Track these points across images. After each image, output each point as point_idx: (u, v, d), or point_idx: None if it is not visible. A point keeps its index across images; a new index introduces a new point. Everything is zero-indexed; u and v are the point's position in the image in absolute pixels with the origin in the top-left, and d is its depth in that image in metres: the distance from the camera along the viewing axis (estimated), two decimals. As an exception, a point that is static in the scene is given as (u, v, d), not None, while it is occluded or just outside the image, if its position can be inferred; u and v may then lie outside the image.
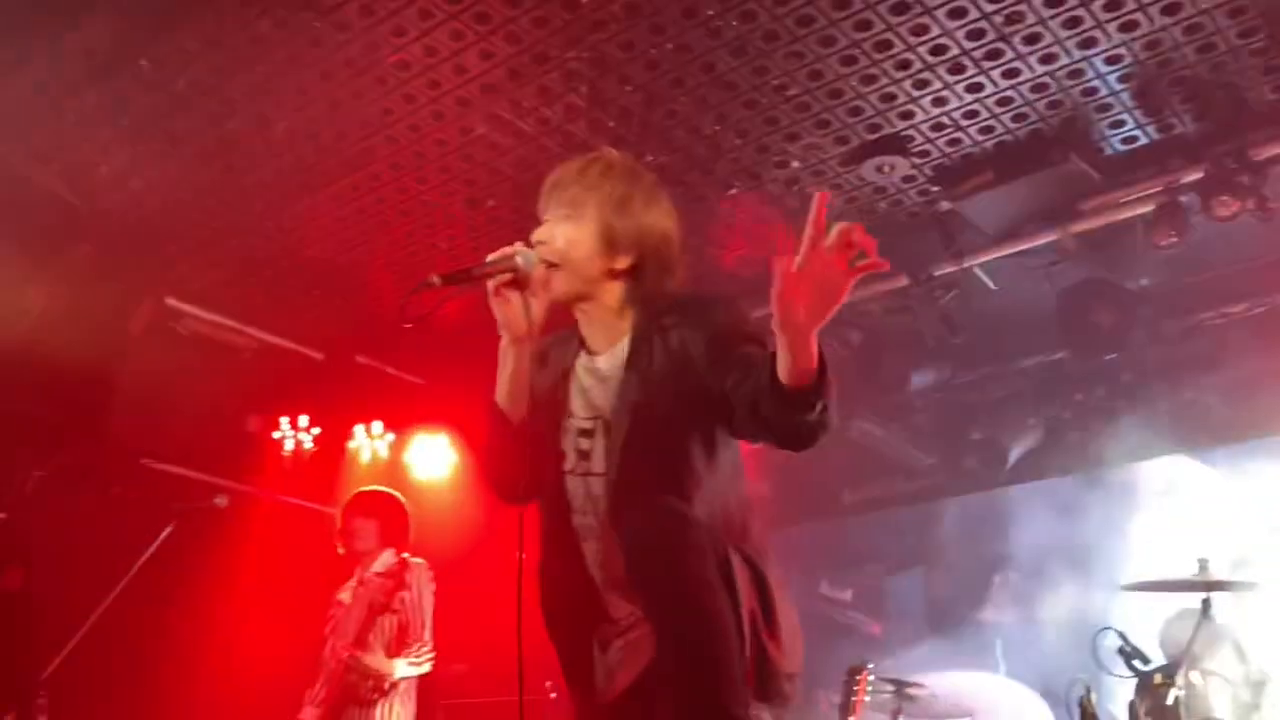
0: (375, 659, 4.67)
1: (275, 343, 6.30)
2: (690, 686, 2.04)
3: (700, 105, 4.42)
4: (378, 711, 4.72)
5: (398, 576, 4.75)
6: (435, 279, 2.17)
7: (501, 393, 2.31)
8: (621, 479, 2.24)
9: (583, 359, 2.40)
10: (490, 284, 2.24)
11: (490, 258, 2.25)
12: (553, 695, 5.96)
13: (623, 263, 2.32)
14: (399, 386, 6.77)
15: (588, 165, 2.36)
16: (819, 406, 1.99)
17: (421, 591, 4.90)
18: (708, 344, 2.23)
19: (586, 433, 2.34)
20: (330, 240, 5.44)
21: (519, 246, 2.27)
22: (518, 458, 2.31)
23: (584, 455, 2.33)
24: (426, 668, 4.89)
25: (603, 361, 2.37)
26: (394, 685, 4.78)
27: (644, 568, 2.08)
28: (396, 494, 5.25)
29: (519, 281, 2.23)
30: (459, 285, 2.19)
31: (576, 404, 2.37)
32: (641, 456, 2.23)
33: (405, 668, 4.75)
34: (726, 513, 2.28)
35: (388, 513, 5.07)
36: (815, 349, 1.95)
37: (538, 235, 2.32)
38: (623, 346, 2.34)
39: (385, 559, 4.99)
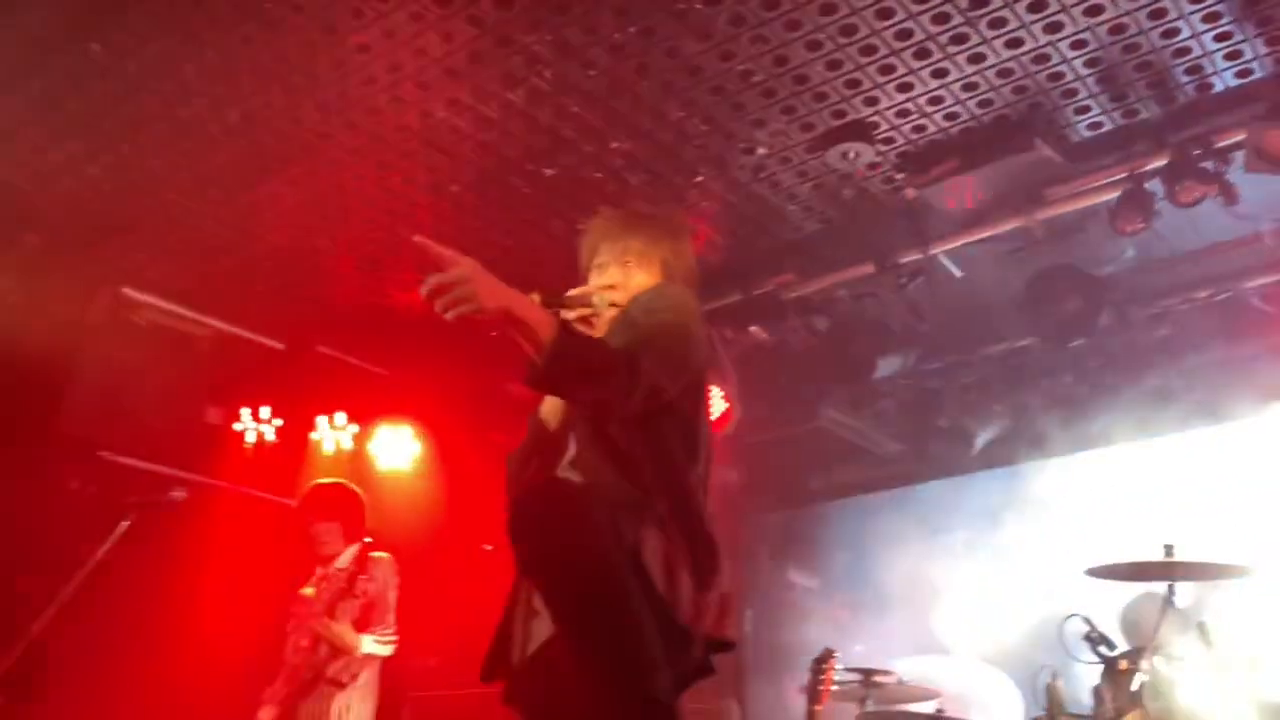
0: (343, 629, 4.67)
1: (234, 333, 6.20)
2: (589, 659, 2.11)
3: (665, 91, 4.37)
4: (334, 706, 4.68)
5: (361, 564, 4.74)
6: (536, 297, 2.33)
7: (547, 407, 2.56)
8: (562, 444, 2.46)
9: None
10: (572, 314, 2.48)
11: (574, 292, 2.54)
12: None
13: None
14: (361, 377, 6.68)
15: (638, 220, 2.70)
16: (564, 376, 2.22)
17: (386, 582, 4.90)
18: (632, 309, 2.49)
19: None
20: (290, 227, 5.36)
21: (594, 290, 2.57)
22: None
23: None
24: (389, 650, 4.89)
25: None
26: (353, 676, 4.74)
27: (524, 542, 2.17)
28: (349, 485, 5.20)
29: (590, 318, 2.52)
30: (552, 308, 2.39)
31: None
32: (576, 422, 2.45)
33: (371, 644, 4.75)
34: (648, 483, 2.36)
35: (347, 510, 5.04)
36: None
37: (608, 279, 2.60)
38: None
39: (348, 554, 4.97)
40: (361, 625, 4.80)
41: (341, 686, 4.72)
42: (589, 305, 2.53)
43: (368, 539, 4.99)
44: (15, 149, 4.76)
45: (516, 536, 2.16)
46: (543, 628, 2.35)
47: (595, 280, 2.62)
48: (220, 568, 6.19)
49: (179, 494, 4.60)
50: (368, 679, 4.84)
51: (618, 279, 2.60)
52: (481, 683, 2.48)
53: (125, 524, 4.43)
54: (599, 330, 2.51)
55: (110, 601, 5.06)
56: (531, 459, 2.55)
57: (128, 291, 5.74)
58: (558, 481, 2.33)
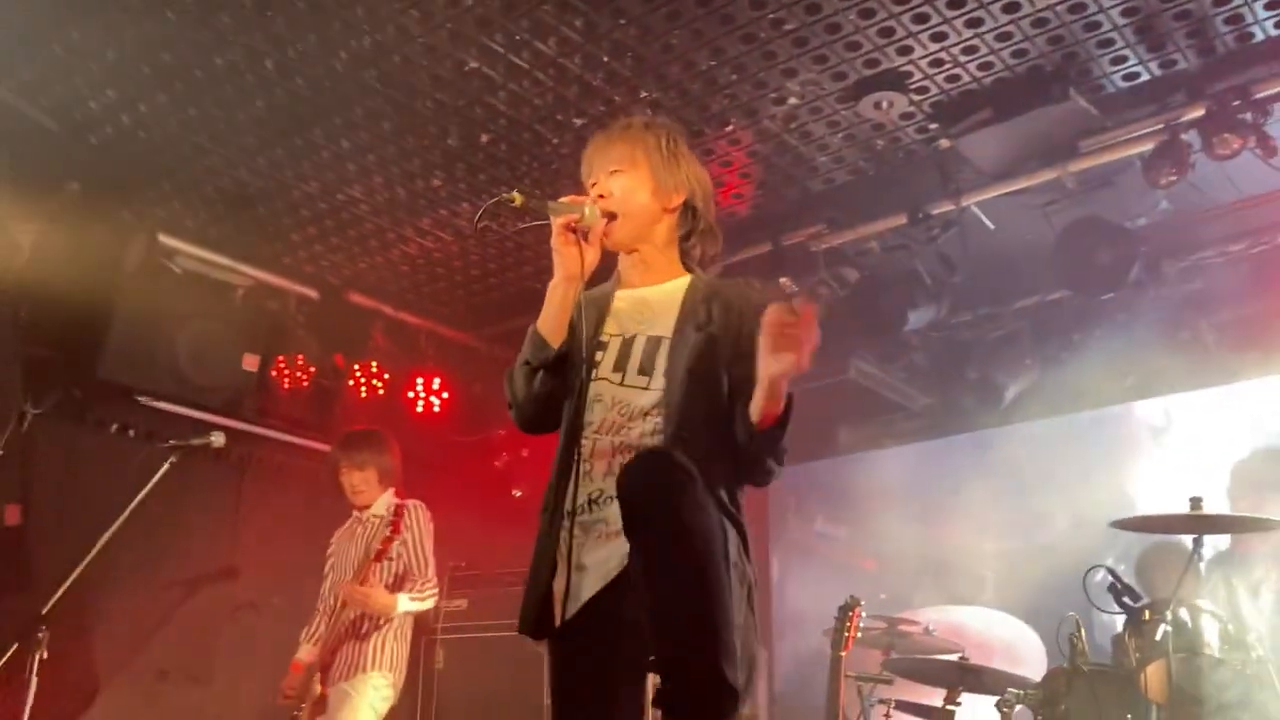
0: (377, 593, 4.72)
1: (270, 280, 6.27)
2: (683, 640, 2.09)
3: (696, 39, 4.35)
4: (371, 646, 4.79)
5: (394, 524, 4.78)
6: (516, 196, 2.43)
7: (548, 323, 2.52)
8: (670, 388, 2.43)
9: (621, 292, 2.64)
10: (558, 221, 2.48)
11: (564, 199, 2.53)
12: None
13: (675, 201, 2.61)
14: (395, 325, 6.75)
15: (628, 124, 2.67)
16: (771, 450, 2.38)
17: (421, 534, 4.95)
18: (749, 331, 2.41)
19: (628, 342, 2.53)
20: (324, 177, 5.39)
21: (587, 200, 2.54)
22: (546, 380, 2.52)
23: (620, 365, 2.51)
24: (430, 603, 4.96)
25: (649, 291, 2.61)
26: (389, 622, 4.83)
27: (643, 511, 2.15)
28: (382, 432, 5.25)
29: (580, 229, 2.48)
30: (530, 211, 2.49)
31: (616, 323, 2.58)
32: (688, 373, 2.43)
33: (408, 602, 4.81)
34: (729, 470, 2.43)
35: (379, 457, 5.09)
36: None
37: (596, 191, 2.57)
38: (677, 283, 2.60)
39: (385, 500, 5.05)
40: (396, 587, 4.86)
41: (378, 629, 4.82)
42: (578, 214, 2.50)
43: (399, 496, 5.04)
44: (54, 98, 4.81)
45: (645, 499, 2.16)
46: (587, 582, 2.36)
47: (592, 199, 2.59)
48: (258, 510, 6.32)
49: (218, 438, 4.70)
50: (403, 621, 4.93)
51: (605, 188, 2.58)
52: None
53: (166, 466, 4.54)
54: (593, 242, 2.50)
55: (151, 541, 5.21)
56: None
57: (165, 239, 5.80)
58: (674, 458, 2.26)
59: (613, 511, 2.30)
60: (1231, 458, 5.16)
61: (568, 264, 2.48)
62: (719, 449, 2.39)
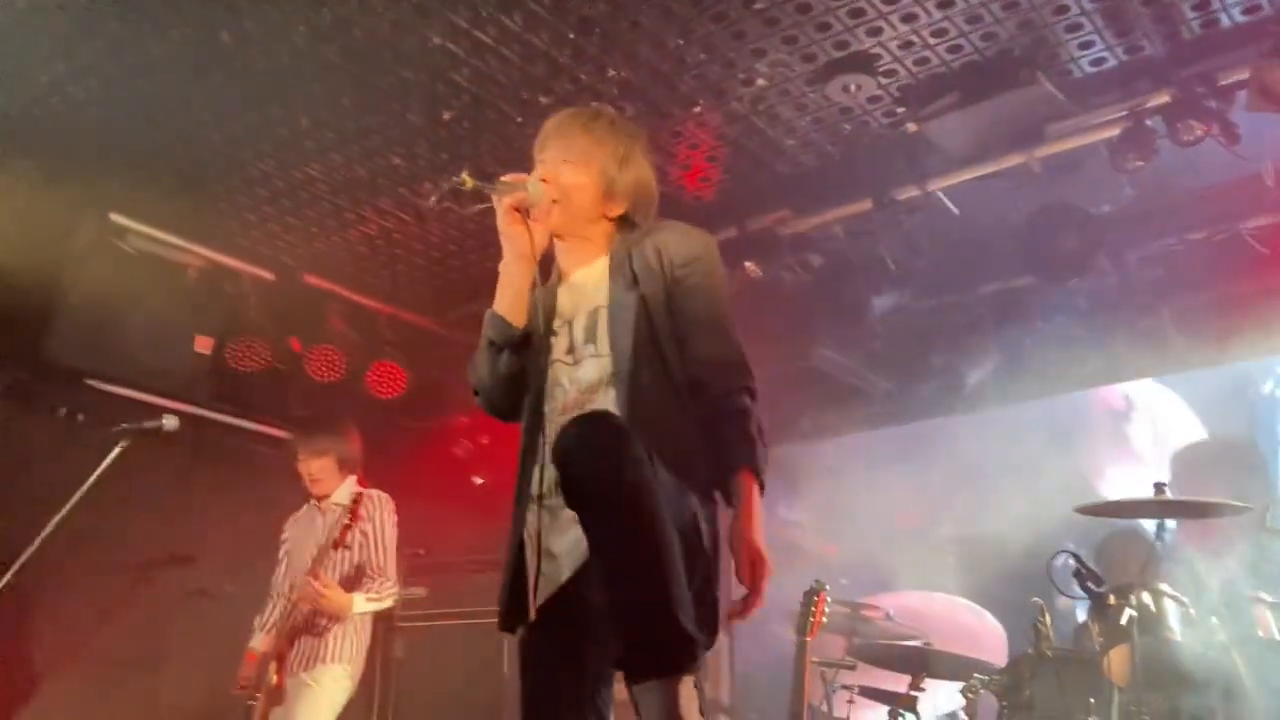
0: (333, 593, 4.58)
1: (223, 262, 6.13)
2: (633, 594, 2.09)
3: (665, 18, 4.29)
4: (331, 636, 4.68)
5: (353, 511, 4.65)
6: (465, 179, 2.43)
7: (504, 303, 2.52)
8: (616, 353, 2.44)
9: (563, 283, 2.65)
10: (504, 200, 2.46)
11: (507, 177, 2.49)
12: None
13: (616, 210, 2.62)
14: (350, 308, 6.64)
15: (594, 119, 2.67)
16: None
17: (383, 525, 4.82)
18: (680, 265, 2.51)
19: (571, 325, 2.55)
20: (280, 155, 5.27)
21: (532, 177, 2.51)
22: (512, 362, 2.53)
23: (570, 348, 2.52)
24: (388, 603, 4.81)
25: (580, 274, 2.62)
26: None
27: (581, 478, 2.16)
28: (341, 418, 5.14)
29: (523, 207, 2.47)
30: (481, 190, 2.45)
31: (561, 315, 2.59)
32: (632, 337, 2.44)
33: (363, 603, 4.68)
34: (683, 418, 2.42)
35: (339, 444, 4.97)
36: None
37: (543, 173, 2.55)
38: (601, 262, 2.60)
39: (346, 488, 4.91)
40: (353, 581, 4.73)
41: (338, 620, 4.69)
42: (524, 191, 2.49)
43: (361, 484, 4.93)
44: (0, 72, 4.65)
45: (569, 467, 2.17)
46: (559, 569, 2.35)
47: (536, 173, 2.59)
48: (211, 496, 6.19)
49: (170, 422, 4.59)
50: (364, 614, 4.81)
51: (553, 174, 2.56)
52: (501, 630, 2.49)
53: (116, 451, 4.42)
54: (539, 220, 2.48)
55: (100, 529, 5.07)
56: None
57: (116, 218, 5.65)
58: (608, 417, 2.31)
59: None
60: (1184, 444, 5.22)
61: (517, 244, 2.48)
62: (673, 408, 2.40)
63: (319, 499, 4.97)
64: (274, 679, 4.60)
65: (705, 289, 2.51)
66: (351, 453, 5.01)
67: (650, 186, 2.68)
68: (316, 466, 4.92)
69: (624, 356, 2.41)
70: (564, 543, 2.36)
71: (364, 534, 4.75)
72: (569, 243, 2.64)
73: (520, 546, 2.41)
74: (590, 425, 2.24)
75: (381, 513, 4.83)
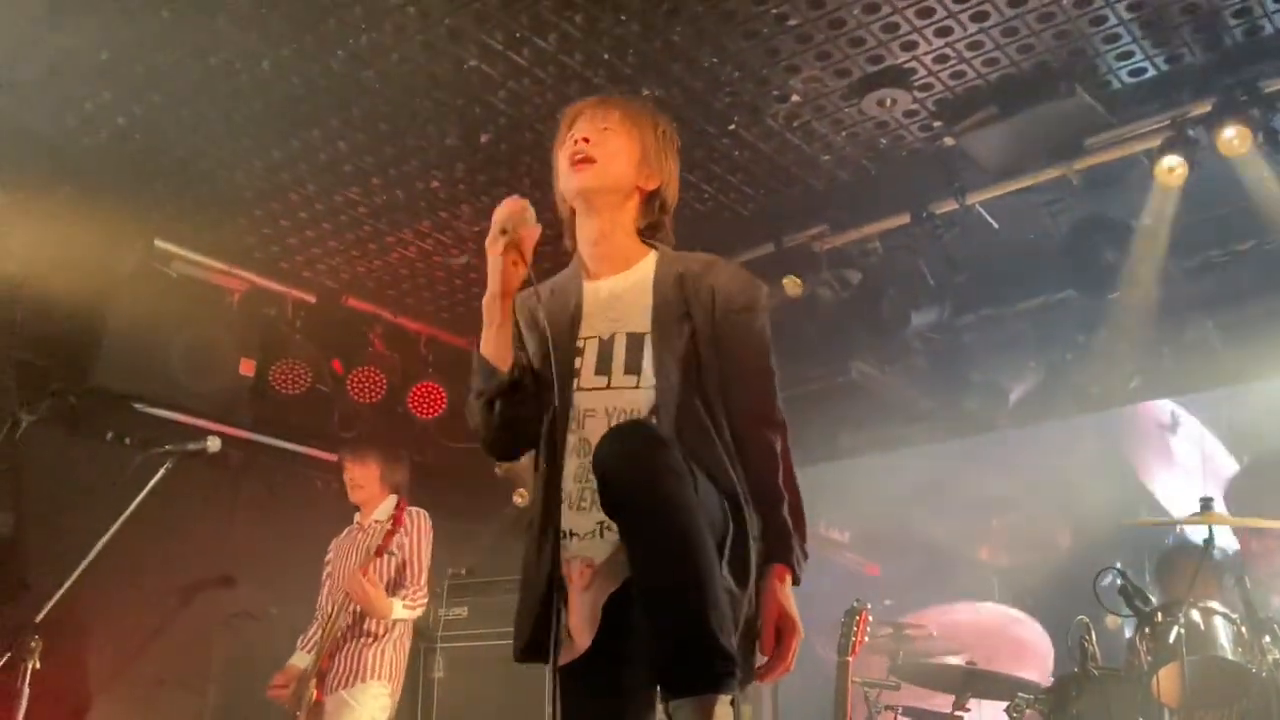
0: (376, 594, 4.67)
1: (266, 285, 6.20)
2: (672, 608, 2.02)
3: (699, 37, 4.30)
4: (371, 654, 4.73)
5: (396, 519, 4.73)
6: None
7: (490, 346, 2.35)
8: (662, 385, 2.32)
9: (589, 285, 2.48)
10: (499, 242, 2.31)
11: (503, 216, 2.31)
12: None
13: (652, 183, 2.48)
14: (393, 330, 6.69)
15: (633, 98, 2.73)
16: None
17: (420, 538, 4.91)
18: (736, 311, 2.40)
19: (606, 343, 2.39)
20: (321, 179, 5.33)
21: (523, 202, 2.34)
22: (507, 408, 2.36)
23: (603, 369, 2.38)
24: (419, 612, 4.92)
25: (616, 282, 2.46)
26: (388, 629, 4.78)
27: (620, 487, 2.07)
28: (387, 438, 5.23)
29: (519, 242, 2.31)
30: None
31: (590, 325, 2.42)
32: (679, 369, 2.33)
33: (400, 609, 4.76)
34: (721, 444, 2.32)
35: (384, 459, 5.05)
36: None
37: (580, 135, 2.42)
38: (643, 268, 2.46)
39: (386, 506, 4.98)
40: (394, 585, 4.82)
41: (376, 638, 4.77)
42: (505, 234, 2.29)
43: (403, 501, 4.99)
44: (48, 100, 4.75)
45: (610, 483, 2.08)
46: (591, 599, 2.27)
47: (566, 149, 2.45)
48: (254, 518, 6.25)
49: (213, 443, 4.64)
50: (402, 630, 4.88)
51: (594, 136, 2.43)
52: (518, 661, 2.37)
53: (161, 473, 4.48)
54: (526, 254, 2.29)
55: (146, 550, 5.13)
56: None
57: (160, 244, 5.74)
58: (648, 429, 2.23)
59: None
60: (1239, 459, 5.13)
61: (508, 278, 2.31)
62: (717, 448, 2.30)
63: (358, 506, 5.03)
64: (313, 695, 4.64)
65: (757, 338, 2.42)
66: (396, 473, 5.09)
67: (677, 180, 2.56)
68: (359, 472, 5.01)
69: (670, 391, 2.31)
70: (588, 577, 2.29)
71: (401, 546, 4.82)
72: (600, 220, 2.46)
73: (546, 585, 2.28)
74: (628, 434, 2.16)
75: (419, 527, 4.91)
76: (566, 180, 2.45)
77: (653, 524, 2.04)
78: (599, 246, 2.47)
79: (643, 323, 2.38)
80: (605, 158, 2.41)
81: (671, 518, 2.03)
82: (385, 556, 4.76)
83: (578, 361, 2.38)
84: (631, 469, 2.06)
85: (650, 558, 2.05)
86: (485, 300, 2.34)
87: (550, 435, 2.37)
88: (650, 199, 2.49)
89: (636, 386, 2.33)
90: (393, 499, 5.02)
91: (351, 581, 4.66)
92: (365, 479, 5.00)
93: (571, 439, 2.34)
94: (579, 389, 2.37)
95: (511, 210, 2.31)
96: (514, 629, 2.39)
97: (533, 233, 2.31)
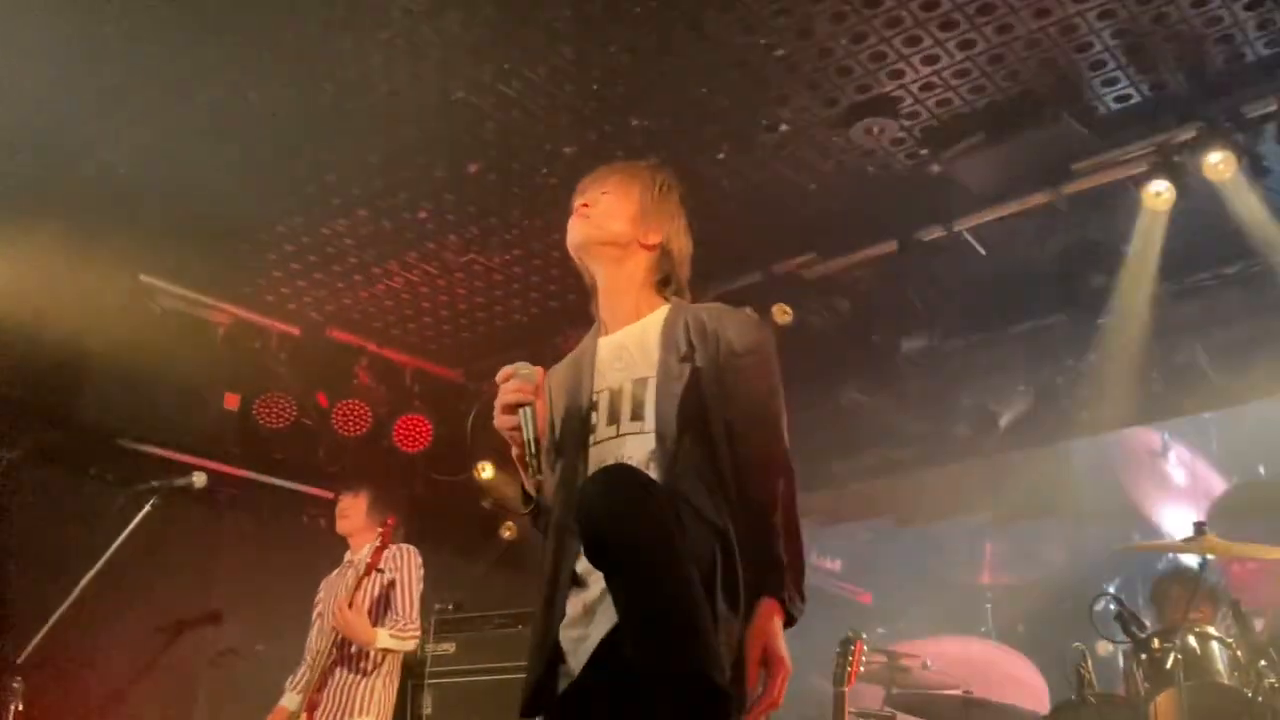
0: (361, 623, 4.62)
1: (250, 319, 6.16)
2: (657, 649, 2.00)
3: (688, 68, 4.32)
4: (360, 690, 4.67)
5: (383, 537, 4.71)
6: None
7: (532, 487, 2.42)
8: (662, 429, 2.33)
9: (603, 341, 2.55)
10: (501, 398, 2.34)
11: (517, 400, 2.30)
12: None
13: (652, 238, 2.55)
14: (378, 362, 6.65)
15: (631, 162, 2.67)
16: None
17: (409, 572, 4.85)
18: (739, 354, 2.41)
19: (616, 394, 2.43)
20: (307, 211, 5.31)
21: (519, 367, 2.34)
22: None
23: (613, 418, 2.41)
24: (410, 645, 4.85)
25: (625, 334, 2.52)
26: (376, 665, 4.71)
27: (597, 536, 2.08)
28: (374, 473, 5.18)
29: (522, 400, 2.32)
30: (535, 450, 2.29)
31: (602, 378, 2.48)
32: (679, 412, 2.33)
33: (387, 638, 4.69)
34: (717, 485, 2.31)
35: (376, 496, 5.00)
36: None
37: (582, 202, 2.54)
38: (653, 319, 2.51)
39: (375, 542, 4.91)
40: (381, 613, 4.75)
41: (365, 674, 4.71)
42: (517, 382, 2.31)
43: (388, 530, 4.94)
44: (32, 133, 4.71)
45: (589, 528, 2.08)
46: (587, 646, 2.25)
47: (576, 209, 2.55)
48: (240, 554, 6.17)
49: (199, 479, 4.60)
50: (391, 666, 4.82)
51: (592, 200, 2.54)
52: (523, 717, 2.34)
53: (146, 509, 4.43)
54: (541, 397, 2.32)
55: (131, 586, 5.06)
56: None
57: (145, 278, 5.70)
58: (629, 470, 2.21)
59: None
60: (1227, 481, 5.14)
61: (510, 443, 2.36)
62: (715, 493, 2.29)
63: (347, 538, 4.98)
64: None
65: (762, 382, 2.40)
66: (383, 507, 5.02)
67: (685, 234, 2.62)
68: (348, 502, 4.97)
69: (669, 433, 2.31)
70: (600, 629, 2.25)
71: (388, 578, 4.76)
72: (607, 276, 2.55)
73: (554, 643, 2.29)
74: (610, 481, 2.14)
75: (409, 561, 4.86)
76: (568, 235, 2.55)
77: (632, 574, 2.03)
78: (608, 299, 2.56)
79: (648, 368, 2.42)
80: (599, 214, 2.52)
81: (650, 566, 2.02)
82: (374, 578, 4.71)
83: (593, 416, 2.43)
84: (609, 518, 2.05)
85: (635, 606, 2.04)
86: (516, 456, 2.36)
87: (565, 485, 2.39)
88: (658, 255, 2.57)
89: (641, 432, 2.36)
90: (378, 536, 4.95)
91: (336, 607, 4.61)
92: (353, 509, 4.94)
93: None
94: (594, 443, 2.40)
95: (518, 393, 2.31)
96: (525, 678, 2.36)
97: (537, 392, 2.33)
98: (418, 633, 4.87)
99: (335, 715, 4.65)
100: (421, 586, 4.88)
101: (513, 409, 2.30)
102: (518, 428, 2.29)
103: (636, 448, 2.34)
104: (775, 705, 2.21)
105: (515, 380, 2.31)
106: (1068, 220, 5.01)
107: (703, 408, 2.34)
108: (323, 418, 6.44)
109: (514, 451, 2.36)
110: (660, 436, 2.31)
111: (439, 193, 5.14)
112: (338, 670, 4.69)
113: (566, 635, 2.28)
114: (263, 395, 6.16)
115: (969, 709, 4.78)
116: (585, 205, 2.53)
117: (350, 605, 4.62)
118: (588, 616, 2.26)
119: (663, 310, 2.52)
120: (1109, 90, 4.49)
